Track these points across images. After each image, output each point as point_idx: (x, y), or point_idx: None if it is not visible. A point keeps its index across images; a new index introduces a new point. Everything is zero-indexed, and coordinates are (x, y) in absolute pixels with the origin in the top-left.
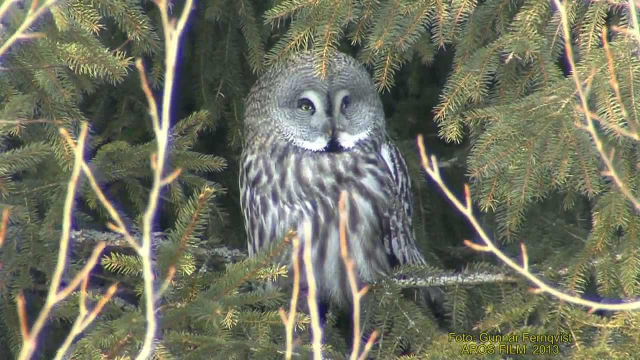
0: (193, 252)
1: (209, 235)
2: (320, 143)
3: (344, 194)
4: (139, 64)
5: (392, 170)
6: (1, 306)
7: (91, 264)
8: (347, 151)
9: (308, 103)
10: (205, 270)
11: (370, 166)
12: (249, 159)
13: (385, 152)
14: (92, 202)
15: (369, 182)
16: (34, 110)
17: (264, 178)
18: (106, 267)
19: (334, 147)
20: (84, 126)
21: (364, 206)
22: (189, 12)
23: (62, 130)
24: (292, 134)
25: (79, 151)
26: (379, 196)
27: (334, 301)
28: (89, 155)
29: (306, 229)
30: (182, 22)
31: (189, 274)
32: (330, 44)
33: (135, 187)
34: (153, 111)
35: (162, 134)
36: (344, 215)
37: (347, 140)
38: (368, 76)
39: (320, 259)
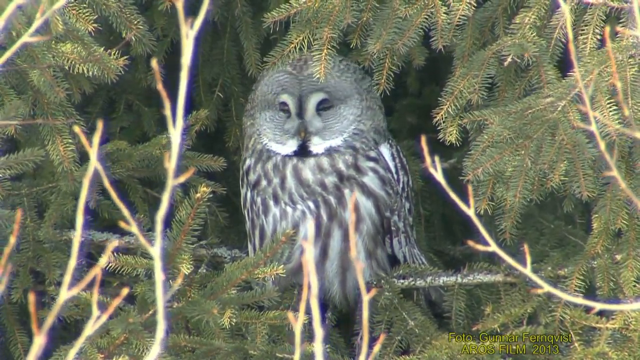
0: (192, 252)
1: (208, 236)
2: (290, 147)
3: (350, 196)
4: (154, 63)
5: (393, 169)
6: (1, 306)
7: (104, 260)
8: (316, 156)
9: (286, 106)
10: (204, 271)
11: (372, 164)
12: (247, 162)
13: (386, 151)
14: (92, 202)
15: (370, 180)
16: (30, 110)
17: (264, 182)
18: (105, 267)
19: (303, 151)
20: (100, 125)
21: (366, 205)
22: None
23: (76, 128)
24: (266, 137)
25: (94, 150)
26: (380, 195)
27: (333, 301)
28: (86, 156)
29: (309, 227)
30: (198, 22)
31: (186, 273)
32: (329, 47)
33: (134, 187)
34: (167, 111)
35: (176, 133)
36: (352, 218)
37: (317, 145)
38: (355, 78)
39: (323, 258)
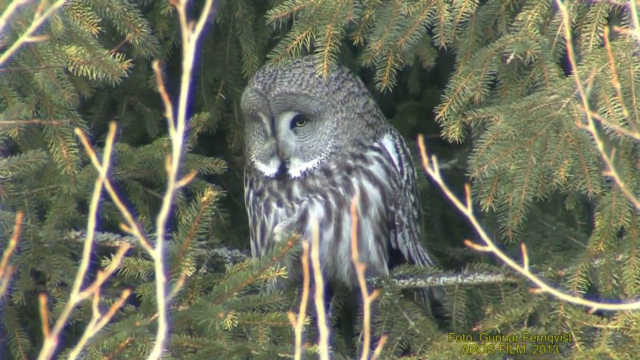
0: (193, 253)
1: (209, 236)
2: (272, 167)
3: (357, 184)
4: (156, 66)
5: (396, 162)
6: (2, 308)
7: (114, 264)
8: (297, 180)
9: (262, 121)
10: (205, 271)
11: (376, 154)
12: (251, 175)
13: (388, 143)
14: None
15: (376, 169)
16: (33, 113)
17: (267, 193)
18: (106, 268)
19: (283, 173)
20: (113, 127)
21: (373, 193)
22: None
23: (78, 131)
24: (254, 153)
25: (107, 152)
26: (385, 185)
27: (341, 280)
28: (87, 158)
29: (314, 228)
30: (200, 26)
31: (188, 275)
32: (332, 44)
33: (135, 189)
34: (169, 113)
35: (177, 137)
36: (354, 221)
37: (296, 167)
38: (326, 92)
39: (337, 239)
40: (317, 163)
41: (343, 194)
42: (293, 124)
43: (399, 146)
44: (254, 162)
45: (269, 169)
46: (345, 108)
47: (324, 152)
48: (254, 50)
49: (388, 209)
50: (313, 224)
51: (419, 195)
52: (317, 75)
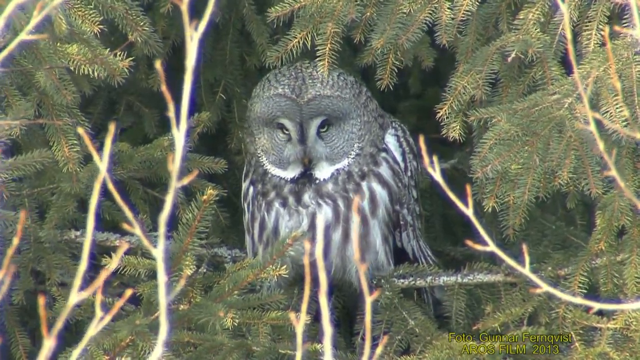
0: (193, 252)
1: (208, 235)
2: (293, 172)
3: (366, 187)
4: (158, 65)
5: (400, 158)
6: (2, 308)
7: (114, 263)
8: (322, 183)
9: (285, 128)
10: (205, 270)
11: (384, 154)
12: (253, 176)
13: (391, 140)
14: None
15: (384, 170)
16: (35, 111)
17: (272, 194)
18: (106, 267)
19: (306, 177)
20: (112, 127)
21: (382, 194)
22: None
23: (80, 130)
24: (266, 158)
25: (106, 152)
26: (392, 185)
27: (349, 279)
28: (88, 157)
29: (319, 227)
30: (202, 24)
31: (189, 273)
32: (333, 42)
33: (135, 188)
34: (171, 112)
35: (179, 135)
36: (356, 223)
37: (323, 171)
38: (353, 94)
39: (344, 240)
40: (347, 165)
41: (352, 197)
42: (318, 130)
43: (401, 139)
44: (266, 167)
45: (287, 173)
46: (366, 111)
47: (351, 153)
48: (268, 43)
49: (394, 209)
50: (320, 223)
51: (419, 185)
52: (340, 77)
